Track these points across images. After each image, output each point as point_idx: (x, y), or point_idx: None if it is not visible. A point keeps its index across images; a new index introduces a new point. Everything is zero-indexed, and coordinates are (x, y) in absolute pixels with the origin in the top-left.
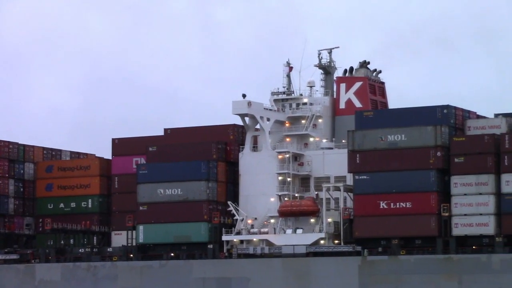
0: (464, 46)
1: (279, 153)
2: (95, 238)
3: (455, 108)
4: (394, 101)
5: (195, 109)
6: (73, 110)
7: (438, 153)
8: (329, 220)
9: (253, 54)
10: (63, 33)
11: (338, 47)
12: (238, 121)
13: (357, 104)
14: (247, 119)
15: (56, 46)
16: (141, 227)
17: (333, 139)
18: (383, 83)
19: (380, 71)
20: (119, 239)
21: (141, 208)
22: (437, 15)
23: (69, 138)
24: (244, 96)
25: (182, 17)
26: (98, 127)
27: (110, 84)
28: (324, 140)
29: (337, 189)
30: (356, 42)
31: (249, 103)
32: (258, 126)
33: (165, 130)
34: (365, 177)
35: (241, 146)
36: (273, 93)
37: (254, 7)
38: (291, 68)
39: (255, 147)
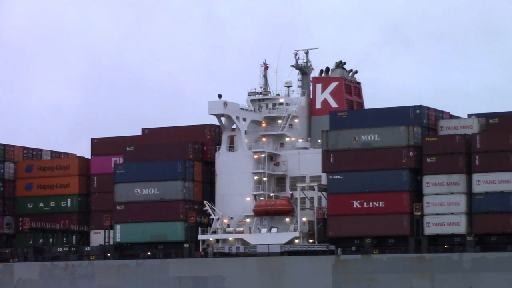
0: (459, 43)
1: (255, 153)
2: (74, 237)
3: (428, 108)
4: (386, 99)
5: (197, 107)
6: (74, 108)
7: (411, 153)
8: (304, 219)
9: (255, 52)
10: (65, 30)
11: (317, 48)
12: (216, 121)
13: (333, 104)
14: (223, 119)
15: (58, 43)
16: (118, 227)
17: (309, 139)
18: (359, 83)
19: (356, 72)
20: (98, 238)
21: (118, 207)
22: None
23: (69, 136)
24: (220, 96)
25: (185, 14)
26: (98, 125)
27: (112, 82)
28: (300, 140)
29: (311, 188)
30: (357, 38)
31: (225, 103)
32: (234, 126)
33: (143, 130)
34: (338, 176)
35: (217, 146)
36: (249, 93)
37: (257, 3)
38: (266, 68)
39: (231, 147)
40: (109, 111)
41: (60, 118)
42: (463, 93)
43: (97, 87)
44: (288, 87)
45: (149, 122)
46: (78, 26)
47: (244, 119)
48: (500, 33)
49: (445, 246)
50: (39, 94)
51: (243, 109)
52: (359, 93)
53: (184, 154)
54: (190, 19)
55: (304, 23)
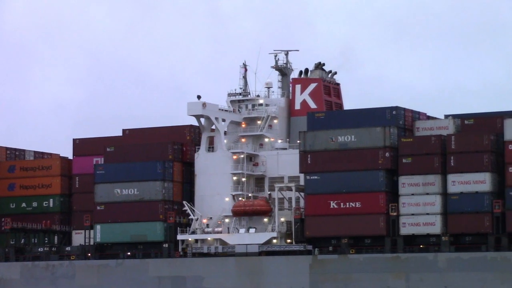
0: (461, 41)
1: (234, 153)
2: (56, 237)
3: (405, 109)
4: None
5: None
6: (76, 105)
7: (387, 154)
8: (282, 219)
9: (258, 48)
10: (66, 26)
11: (297, 50)
12: (196, 121)
13: (312, 105)
14: (202, 120)
15: (60, 41)
16: (98, 227)
17: (287, 140)
18: (338, 84)
19: (335, 73)
20: (79, 238)
21: (98, 207)
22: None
23: (71, 133)
24: (199, 97)
25: (188, 10)
26: (99, 123)
27: (114, 78)
28: (279, 141)
29: (289, 189)
30: (361, 36)
31: (204, 104)
32: (214, 127)
33: (124, 130)
34: (316, 177)
35: (197, 147)
36: (229, 94)
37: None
38: (246, 69)
39: (211, 148)
40: (109, 110)
41: (61, 116)
42: (466, 92)
43: (98, 84)
44: (269, 88)
45: (149, 121)
46: (79, 23)
47: (224, 120)
48: (503, 30)
49: (421, 246)
50: (40, 92)
51: (222, 110)
52: (338, 94)
53: (163, 154)
54: (193, 15)
55: (307, 19)
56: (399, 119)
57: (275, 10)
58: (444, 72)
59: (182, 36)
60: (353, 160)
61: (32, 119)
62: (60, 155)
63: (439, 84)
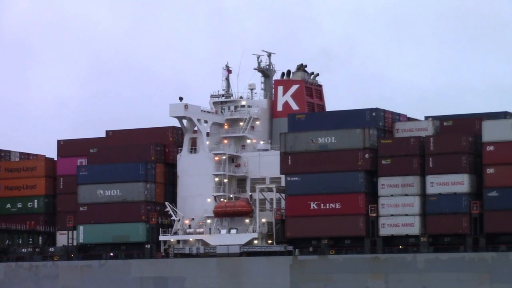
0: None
1: (216, 154)
2: (40, 238)
3: (384, 111)
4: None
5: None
6: (77, 103)
7: (366, 155)
8: (263, 220)
9: (260, 46)
10: (68, 24)
11: (274, 53)
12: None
13: (294, 106)
14: (184, 121)
15: (61, 38)
16: (81, 228)
17: (269, 141)
18: (320, 85)
19: (317, 74)
20: (64, 239)
21: (81, 208)
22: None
23: (71, 131)
24: (181, 99)
25: (190, 8)
26: (100, 121)
27: (115, 77)
28: (261, 142)
29: (270, 190)
30: (366, 34)
31: (186, 106)
32: (196, 128)
33: (107, 132)
34: (296, 178)
35: (179, 148)
36: (212, 96)
37: None
38: (229, 71)
39: (193, 149)
40: (110, 108)
41: (61, 116)
42: (467, 91)
43: (100, 82)
44: (252, 89)
45: (150, 121)
46: (81, 20)
47: (206, 121)
48: (504, 28)
49: (400, 246)
50: (41, 90)
51: (204, 111)
52: (320, 96)
53: (146, 156)
54: (195, 14)
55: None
56: (378, 121)
57: (278, 8)
58: (445, 71)
59: (184, 34)
60: (333, 162)
61: (31, 118)
62: (46, 156)
63: (439, 83)
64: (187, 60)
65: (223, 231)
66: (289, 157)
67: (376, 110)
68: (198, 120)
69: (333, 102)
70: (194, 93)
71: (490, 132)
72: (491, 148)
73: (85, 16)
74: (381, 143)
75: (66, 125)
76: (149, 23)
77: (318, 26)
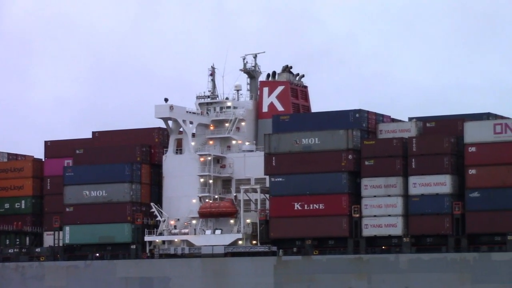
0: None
1: (201, 155)
2: (27, 238)
3: (368, 112)
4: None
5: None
6: (78, 101)
7: (350, 156)
8: (248, 221)
9: (263, 44)
10: (69, 22)
11: (263, 52)
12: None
13: (279, 107)
14: (170, 122)
15: (62, 36)
16: (67, 228)
17: (254, 142)
18: (306, 87)
19: (303, 75)
20: (51, 239)
21: (67, 209)
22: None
23: (72, 129)
24: (166, 100)
25: (192, 6)
26: (101, 119)
27: (116, 75)
28: (247, 143)
29: (254, 190)
30: (367, 32)
31: (171, 107)
32: (182, 129)
33: (93, 133)
34: (280, 179)
35: (165, 149)
36: (198, 97)
37: None
38: (213, 72)
39: (179, 150)
40: (111, 107)
41: (63, 112)
42: (468, 90)
43: (101, 81)
44: (238, 90)
45: (141, 121)
46: (82, 19)
47: (191, 122)
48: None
49: (383, 247)
50: (42, 88)
51: (190, 112)
52: (305, 97)
53: (131, 156)
54: (197, 12)
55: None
56: (362, 122)
57: (279, 7)
58: (448, 70)
59: (185, 34)
60: (317, 163)
61: (31, 117)
62: (35, 157)
63: (441, 83)
64: (187, 60)
65: (208, 232)
66: (273, 158)
67: (360, 111)
68: (184, 121)
69: (331, 102)
70: (194, 93)
71: (472, 133)
72: (473, 149)
73: (86, 15)
74: (364, 144)
75: (65, 124)
76: (151, 22)
77: (319, 25)
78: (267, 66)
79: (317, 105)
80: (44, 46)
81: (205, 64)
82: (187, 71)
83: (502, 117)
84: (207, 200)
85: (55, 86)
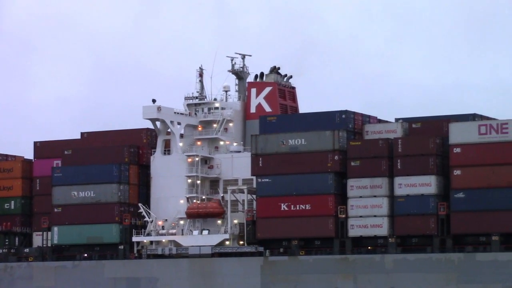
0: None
1: (189, 156)
2: (17, 239)
3: (354, 113)
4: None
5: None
6: (78, 101)
7: (336, 157)
8: (235, 221)
9: (265, 42)
10: (70, 21)
11: (250, 55)
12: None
13: (267, 108)
14: (158, 123)
15: (63, 35)
16: (55, 229)
17: (242, 143)
18: (293, 88)
19: (291, 76)
20: (40, 240)
21: (55, 210)
22: None
23: (72, 128)
24: (154, 101)
25: (194, 5)
26: (101, 119)
27: (117, 74)
28: (235, 144)
29: (241, 191)
30: (369, 30)
31: (159, 108)
32: (170, 130)
33: (82, 133)
34: (267, 180)
35: (153, 150)
36: (186, 98)
37: None
38: (201, 73)
39: (167, 151)
40: (111, 107)
41: (64, 111)
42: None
43: (102, 80)
44: (226, 91)
45: (132, 122)
46: (83, 18)
47: (179, 123)
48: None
49: (369, 247)
50: (43, 87)
51: (177, 113)
52: (293, 98)
53: (119, 157)
54: (198, 10)
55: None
56: (348, 123)
57: (283, 4)
58: (448, 70)
59: (188, 31)
60: (303, 163)
61: (31, 116)
62: (25, 157)
63: (443, 82)
64: (188, 60)
65: (195, 232)
66: (260, 158)
67: (346, 112)
68: (171, 122)
69: (332, 101)
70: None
71: (457, 134)
72: (458, 150)
73: (87, 14)
74: (350, 145)
75: (65, 124)
76: (151, 21)
77: (320, 24)
78: (266, 66)
79: (317, 105)
80: (44, 45)
81: (206, 64)
82: (187, 71)
83: (488, 118)
84: (194, 201)
85: (55, 86)
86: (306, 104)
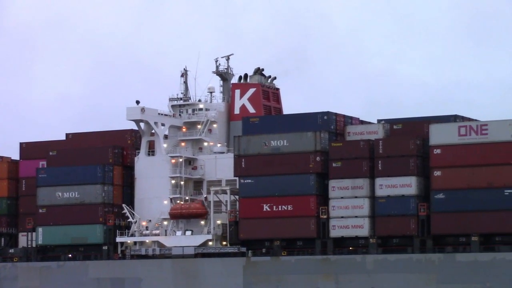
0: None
1: (172, 157)
2: (3, 239)
3: (336, 114)
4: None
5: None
6: (79, 98)
7: (318, 158)
8: (218, 222)
9: (268, 41)
10: (70, 19)
11: (232, 54)
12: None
13: (251, 109)
14: (142, 124)
15: (64, 33)
16: (40, 229)
17: (225, 144)
18: (277, 89)
19: (275, 78)
20: (25, 240)
21: (40, 210)
22: None
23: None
24: (137, 102)
25: (196, 3)
26: (101, 118)
27: (118, 72)
28: (219, 145)
29: (224, 192)
30: (372, 28)
31: (143, 109)
32: (154, 131)
33: (67, 134)
34: (249, 181)
35: (137, 151)
36: (170, 99)
37: None
38: (183, 74)
39: (151, 152)
40: (111, 106)
41: (64, 110)
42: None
43: (103, 78)
44: (211, 92)
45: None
46: (84, 16)
47: (163, 124)
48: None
49: (350, 248)
50: (43, 85)
51: (161, 114)
52: (277, 99)
53: (103, 158)
54: (200, 9)
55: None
56: (330, 124)
57: (286, 3)
58: (451, 69)
59: (190, 29)
60: (285, 164)
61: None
62: (12, 158)
63: (445, 81)
64: (188, 59)
65: (179, 233)
66: (243, 159)
67: (328, 113)
68: (155, 123)
69: (333, 101)
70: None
71: (437, 136)
72: (438, 151)
73: (88, 13)
74: (331, 146)
75: (65, 124)
76: (153, 20)
77: (322, 23)
78: (267, 65)
79: (317, 104)
80: (45, 43)
81: (206, 64)
82: (199, 69)
83: (469, 119)
84: (178, 202)
85: (56, 84)
86: (307, 104)
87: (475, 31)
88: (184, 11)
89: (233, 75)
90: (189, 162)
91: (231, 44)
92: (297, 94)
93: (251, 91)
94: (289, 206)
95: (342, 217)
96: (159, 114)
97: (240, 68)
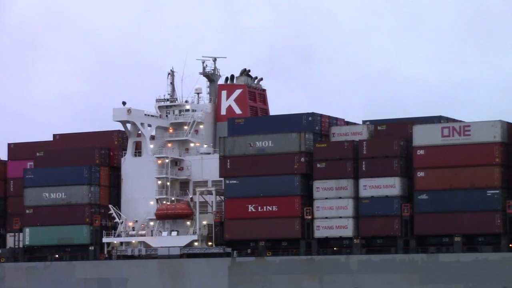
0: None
1: (159, 158)
2: None
3: (321, 115)
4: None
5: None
6: (80, 97)
7: (302, 159)
8: (204, 223)
9: (270, 40)
10: (72, 17)
11: (225, 57)
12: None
13: (237, 110)
14: (128, 125)
15: (64, 31)
16: (27, 230)
17: (211, 144)
18: (264, 90)
19: (261, 79)
20: (13, 240)
21: (27, 211)
22: None
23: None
24: (124, 103)
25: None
26: (101, 118)
27: (119, 71)
28: (205, 146)
29: (209, 192)
30: (376, 29)
31: (129, 110)
32: (140, 132)
33: (54, 135)
34: (235, 181)
35: (124, 152)
36: (157, 100)
37: None
38: (171, 74)
39: (138, 153)
40: (111, 105)
41: (65, 109)
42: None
43: (103, 77)
44: (198, 93)
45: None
46: (85, 14)
47: (150, 125)
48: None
49: (334, 248)
50: (44, 84)
51: (148, 115)
52: (264, 100)
53: (90, 159)
54: (203, 6)
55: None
56: (315, 125)
57: (290, 2)
58: (453, 68)
59: (191, 28)
60: (270, 165)
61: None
62: (0, 158)
63: (449, 80)
64: (189, 59)
65: (165, 233)
66: (228, 160)
67: (313, 114)
68: (142, 124)
69: (334, 101)
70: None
71: (421, 137)
72: (421, 152)
73: (88, 11)
74: (316, 147)
75: (65, 123)
76: (155, 18)
77: (325, 22)
78: (266, 65)
79: (317, 104)
80: (46, 41)
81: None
82: (188, 70)
83: (454, 120)
84: (164, 202)
85: (57, 83)
86: (306, 104)
87: (479, 30)
88: (184, 11)
89: (219, 76)
90: (176, 162)
91: (231, 44)
92: (297, 94)
93: (238, 92)
94: (274, 206)
95: (326, 217)
96: (145, 115)
97: (229, 69)
